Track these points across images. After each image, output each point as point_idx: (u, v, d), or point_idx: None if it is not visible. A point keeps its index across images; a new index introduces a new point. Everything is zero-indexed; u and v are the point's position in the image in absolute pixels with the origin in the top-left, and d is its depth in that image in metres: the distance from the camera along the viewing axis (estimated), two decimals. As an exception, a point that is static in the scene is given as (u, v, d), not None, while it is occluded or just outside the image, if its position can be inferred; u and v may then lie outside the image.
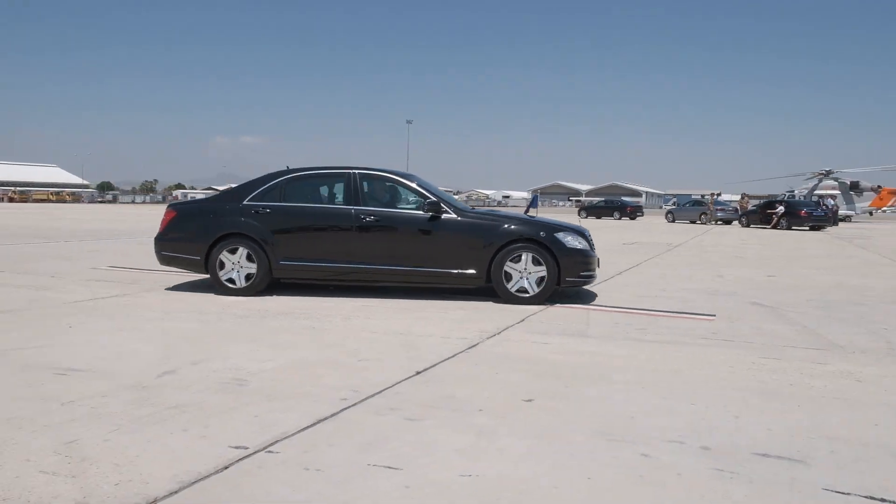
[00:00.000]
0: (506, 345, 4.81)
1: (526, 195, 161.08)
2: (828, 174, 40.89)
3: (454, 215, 6.85)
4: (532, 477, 2.52)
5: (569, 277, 6.69)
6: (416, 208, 7.01)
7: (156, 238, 7.39)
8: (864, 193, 41.75)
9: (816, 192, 39.60)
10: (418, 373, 3.97)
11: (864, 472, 2.64)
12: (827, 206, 29.73)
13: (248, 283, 6.87)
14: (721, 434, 3.03)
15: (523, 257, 6.64)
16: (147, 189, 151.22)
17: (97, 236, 16.03)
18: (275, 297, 6.76)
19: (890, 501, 2.38)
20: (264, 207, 7.00)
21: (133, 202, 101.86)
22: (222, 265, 6.93)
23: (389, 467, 2.57)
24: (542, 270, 6.62)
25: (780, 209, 27.63)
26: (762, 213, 28.92)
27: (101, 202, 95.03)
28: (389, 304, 6.48)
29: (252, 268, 6.87)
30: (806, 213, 27.05)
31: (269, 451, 2.70)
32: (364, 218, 6.85)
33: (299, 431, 2.93)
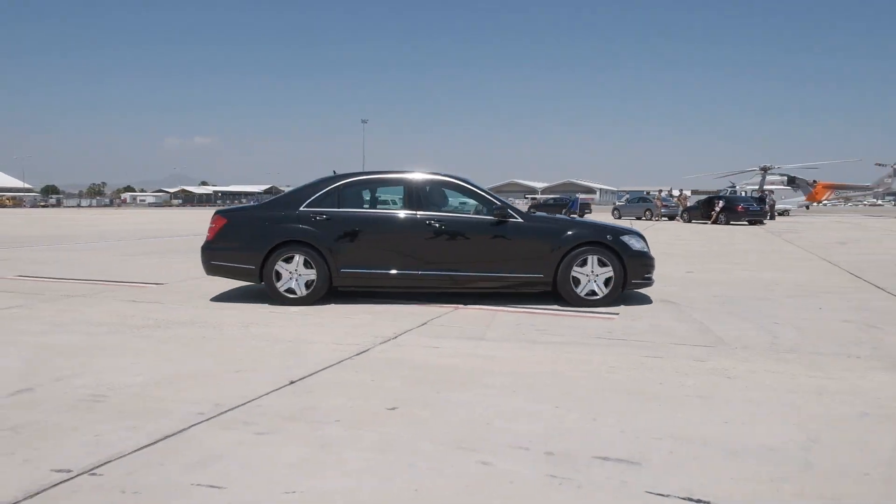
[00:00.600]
0: (397, 350, 4.77)
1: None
2: (767, 170, 42.24)
3: (520, 219, 6.84)
4: (358, 491, 2.48)
5: (634, 280, 6.81)
6: (476, 212, 7.02)
7: (203, 247, 7.03)
8: (801, 188, 43.26)
9: (754, 186, 40.87)
10: (292, 382, 3.90)
11: (694, 472, 2.68)
12: (764, 201, 30.68)
13: (308, 293, 6.68)
14: (572, 438, 3.05)
15: (590, 260, 6.71)
16: (95, 192, 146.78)
17: (23, 242, 15.43)
18: (184, 306, 6.60)
19: (706, 501, 2.42)
20: (323, 214, 6.80)
21: (79, 206, 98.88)
22: (279, 275, 6.69)
23: (213, 486, 2.49)
24: (608, 273, 6.71)
25: (720, 205, 28.39)
26: (703, 209, 29.67)
27: (43, 206, 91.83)
28: (298, 309, 6.38)
29: (311, 276, 6.68)
30: (743, 208, 27.87)
31: (93, 474, 2.60)
32: (430, 223, 6.76)
33: (136, 451, 2.83)
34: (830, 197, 46.12)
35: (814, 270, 10.36)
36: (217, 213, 7.19)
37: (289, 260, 6.69)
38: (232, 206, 8.03)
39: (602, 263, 6.71)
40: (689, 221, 30.61)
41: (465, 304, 6.72)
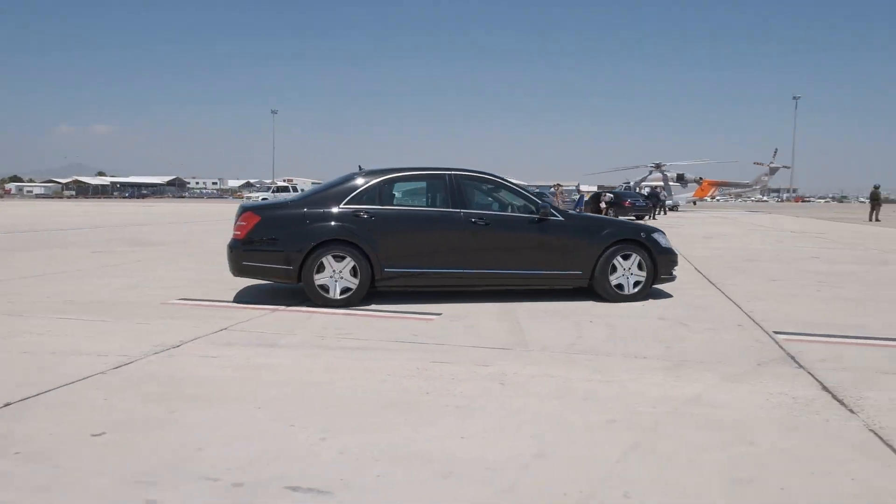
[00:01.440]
0: (166, 361, 4.34)
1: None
2: (658, 167, 44.10)
3: (560, 217, 7.01)
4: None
5: (663, 275, 7.18)
6: (514, 210, 7.14)
7: (231, 246, 6.58)
8: (689, 185, 45.50)
9: (646, 183, 42.68)
10: (7, 405, 3.42)
11: (390, 499, 2.45)
12: (658, 197, 31.92)
13: (350, 294, 6.44)
14: (279, 463, 2.75)
15: (624, 257, 6.99)
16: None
17: None
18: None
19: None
20: (367, 211, 6.57)
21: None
22: (320, 275, 6.40)
23: None
24: (642, 269, 7.04)
25: (608, 198, 29.24)
26: (592, 205, 30.48)
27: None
28: (94, 314, 5.81)
29: (354, 276, 6.44)
30: (630, 203, 28.87)
31: None
32: (474, 221, 6.74)
33: None
34: (715, 193, 48.78)
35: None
36: (247, 209, 6.71)
37: (332, 259, 6.43)
38: (263, 203, 7.41)
39: (636, 260, 7.02)
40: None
41: (288, 305, 6.36)
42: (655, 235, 7.22)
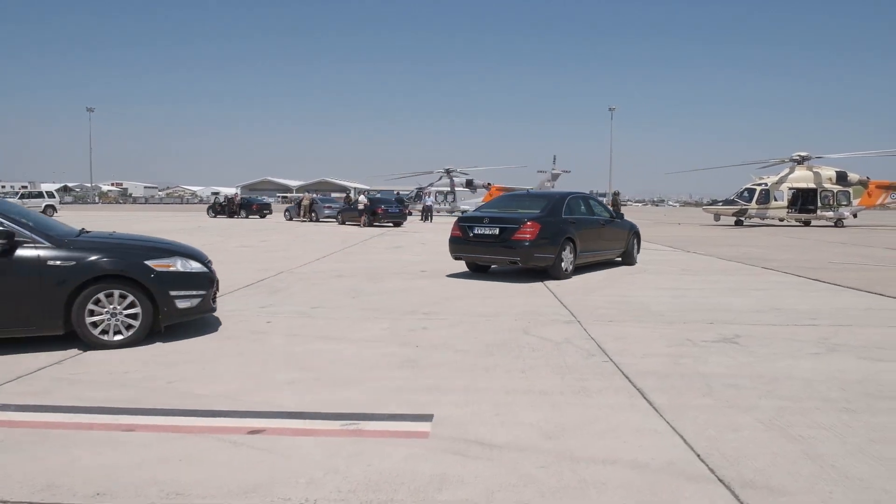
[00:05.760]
0: None
1: (235, 191, 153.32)
2: (450, 172, 45.75)
3: (618, 219, 12.53)
4: None
5: (638, 251, 13.31)
6: (603, 215, 12.22)
7: (526, 245, 10.03)
8: (478, 190, 47.43)
9: (435, 188, 44.31)
10: None
11: None
12: (403, 202, 33.11)
13: (570, 270, 10.63)
14: None
15: (634, 240, 12.82)
16: None
17: None
18: None
19: None
20: (572, 219, 10.84)
21: None
22: (561, 260, 10.36)
23: None
24: (637, 248, 13.08)
25: (363, 206, 28.89)
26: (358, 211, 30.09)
27: None
28: None
29: (573, 260, 10.66)
30: (382, 210, 28.62)
31: None
32: (602, 223, 11.86)
33: None
34: (504, 197, 51.35)
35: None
36: (531, 219, 10.25)
37: (566, 250, 10.44)
38: (536, 216, 10.43)
39: (637, 241, 12.99)
40: (344, 223, 30.72)
41: None
42: (638, 227, 13.11)
